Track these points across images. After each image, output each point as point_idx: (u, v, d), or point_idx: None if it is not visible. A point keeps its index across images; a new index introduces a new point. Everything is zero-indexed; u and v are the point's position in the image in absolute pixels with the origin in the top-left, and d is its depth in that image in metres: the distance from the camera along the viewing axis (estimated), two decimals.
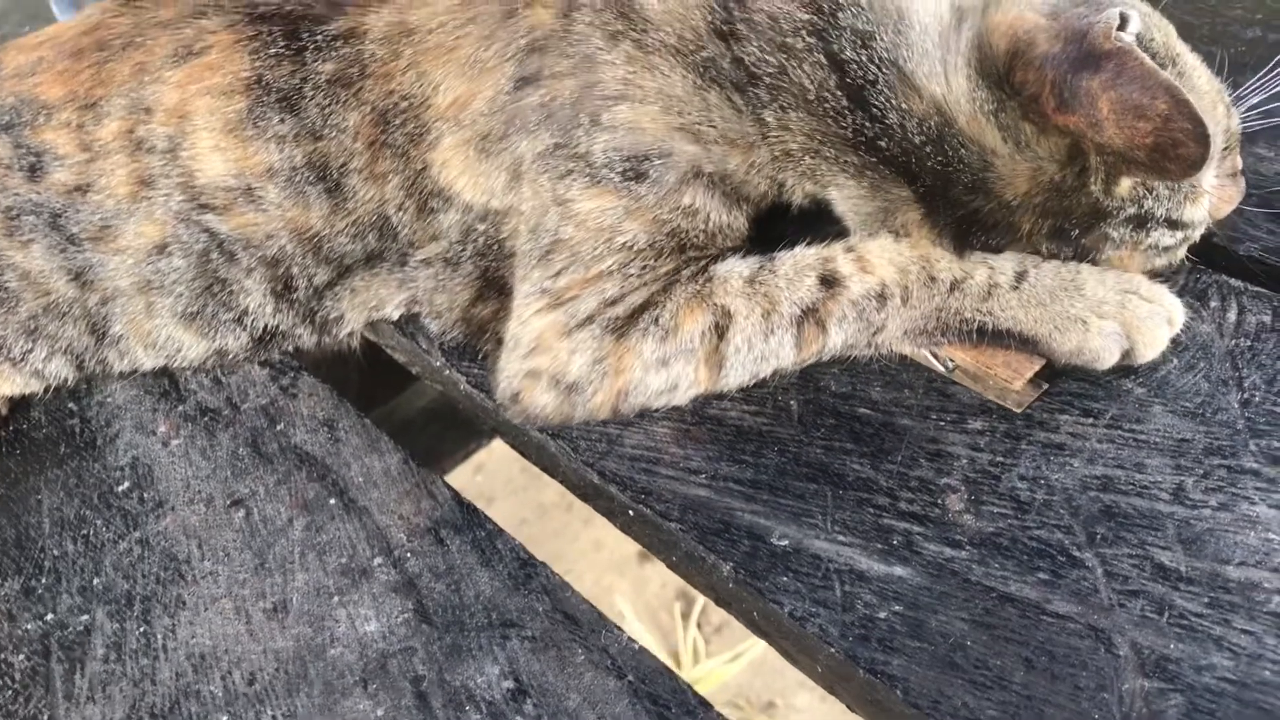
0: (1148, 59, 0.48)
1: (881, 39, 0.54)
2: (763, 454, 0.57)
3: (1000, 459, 0.54)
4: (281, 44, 0.62)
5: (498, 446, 1.52)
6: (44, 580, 0.61)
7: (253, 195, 0.62)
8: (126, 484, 0.66)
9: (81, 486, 0.66)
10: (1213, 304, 0.58)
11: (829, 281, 0.57)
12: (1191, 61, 0.56)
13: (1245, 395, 0.54)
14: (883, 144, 0.55)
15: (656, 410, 0.60)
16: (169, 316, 0.67)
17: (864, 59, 0.54)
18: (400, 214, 0.63)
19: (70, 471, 0.67)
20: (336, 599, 0.57)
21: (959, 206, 0.55)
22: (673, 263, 0.59)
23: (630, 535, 0.59)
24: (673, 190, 0.58)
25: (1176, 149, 0.48)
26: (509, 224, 0.61)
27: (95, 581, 0.60)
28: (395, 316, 0.68)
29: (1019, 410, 0.56)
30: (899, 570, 0.51)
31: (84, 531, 0.63)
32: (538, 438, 0.62)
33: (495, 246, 0.62)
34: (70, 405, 0.71)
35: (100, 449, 0.68)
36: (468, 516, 0.59)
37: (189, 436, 0.67)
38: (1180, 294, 0.59)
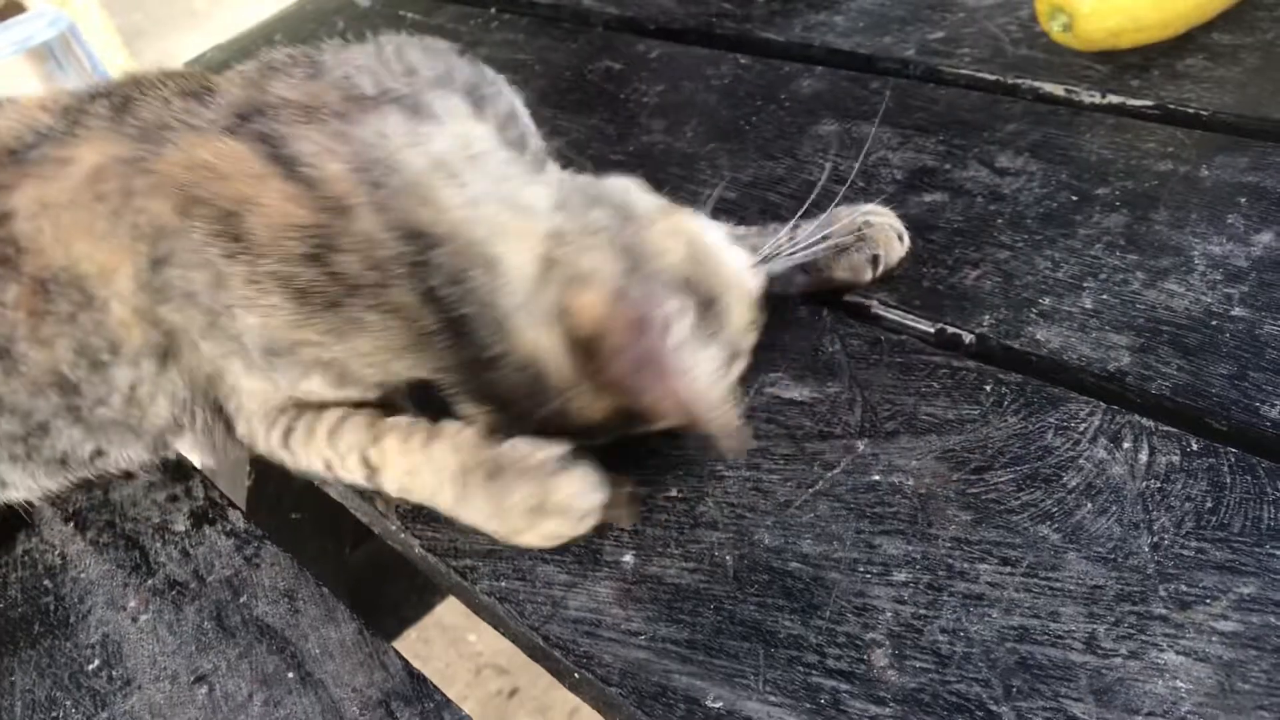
0: (683, 381, 0.57)
1: (475, 284, 0.60)
2: (699, 613, 0.59)
3: (923, 611, 0.56)
4: None
5: None
6: None
7: None
8: (96, 662, 0.68)
9: (53, 666, 0.68)
10: (1125, 445, 0.61)
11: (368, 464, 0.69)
12: (723, 275, 0.65)
13: (1155, 539, 0.56)
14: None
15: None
16: None
17: (459, 295, 0.60)
18: (74, 370, 0.68)
19: (43, 651, 0.69)
20: None
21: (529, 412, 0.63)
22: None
23: (578, 695, 0.61)
24: (298, 379, 0.67)
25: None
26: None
27: None
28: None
29: None
30: None
31: (54, 714, 0.65)
32: (486, 600, 0.64)
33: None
34: (46, 582, 0.74)
35: (73, 626, 0.70)
36: (417, 688, 0.61)
37: (157, 611, 0.70)
38: (1095, 436, 0.61)
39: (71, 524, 0.78)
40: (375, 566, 1.44)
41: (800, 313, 0.75)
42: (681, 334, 0.58)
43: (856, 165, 0.86)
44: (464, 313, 0.60)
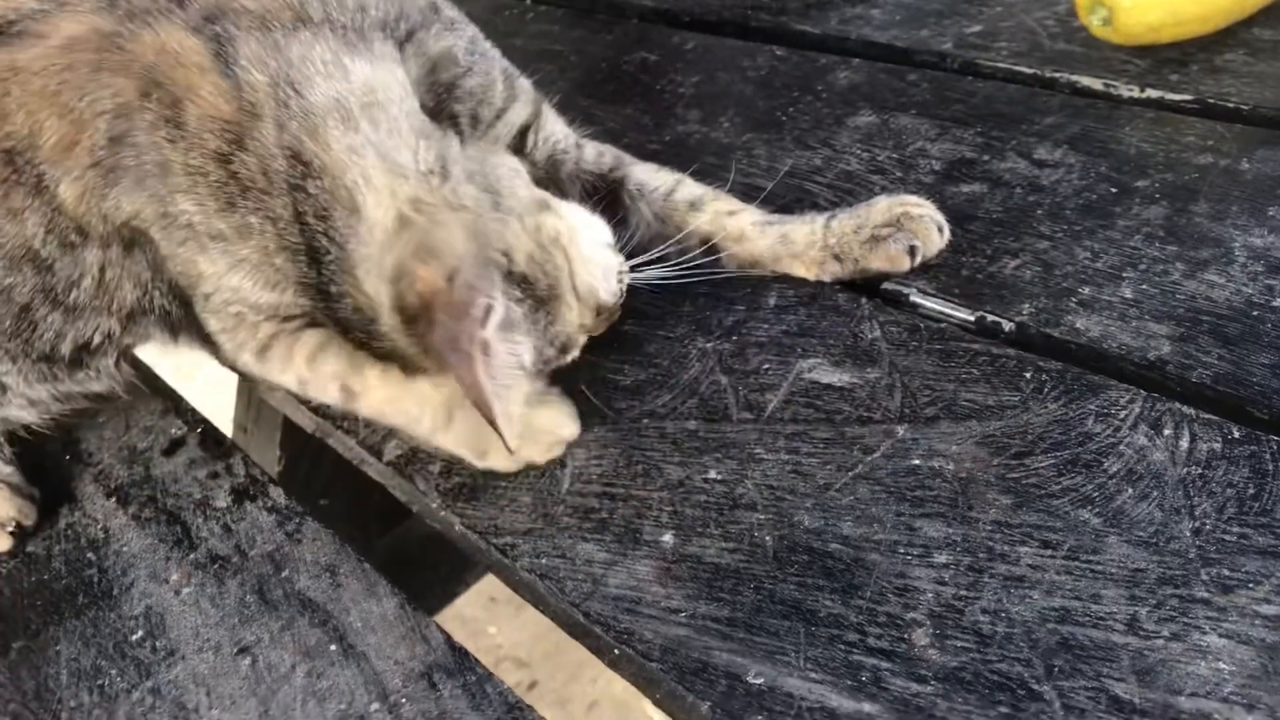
0: (482, 370, 0.59)
1: (336, 221, 0.64)
2: (739, 591, 0.60)
3: (964, 592, 0.56)
4: None
5: None
6: None
7: None
8: (140, 633, 0.69)
9: (98, 636, 0.69)
10: (1166, 432, 0.61)
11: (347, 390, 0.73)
12: (573, 272, 0.68)
13: (1197, 524, 0.56)
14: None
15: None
16: None
17: (322, 229, 0.64)
18: (45, 248, 0.70)
19: (87, 621, 0.70)
20: None
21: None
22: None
23: (617, 672, 0.61)
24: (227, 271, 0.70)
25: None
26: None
27: None
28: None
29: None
30: (868, 707, 0.53)
31: (100, 682, 0.66)
32: (526, 577, 0.65)
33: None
34: (89, 555, 0.75)
35: (116, 598, 0.71)
36: (459, 661, 0.62)
37: (199, 584, 0.71)
38: (1136, 423, 0.62)
39: (113, 499, 0.79)
40: (398, 557, 1.45)
41: (838, 300, 0.75)
42: (494, 327, 0.60)
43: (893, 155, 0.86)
44: (321, 245, 0.64)
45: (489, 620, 1.90)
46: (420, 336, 0.63)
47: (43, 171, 0.68)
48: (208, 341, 0.76)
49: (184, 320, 0.76)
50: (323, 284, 0.66)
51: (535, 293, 0.66)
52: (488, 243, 0.64)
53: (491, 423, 0.61)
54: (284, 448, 1.23)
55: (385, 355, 0.68)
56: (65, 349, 0.75)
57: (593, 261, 0.70)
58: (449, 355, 0.60)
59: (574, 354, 0.71)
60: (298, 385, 0.75)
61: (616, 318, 0.74)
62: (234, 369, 0.78)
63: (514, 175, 0.71)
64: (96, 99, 0.66)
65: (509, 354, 0.62)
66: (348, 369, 0.73)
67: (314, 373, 0.74)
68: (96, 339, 0.75)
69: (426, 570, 1.46)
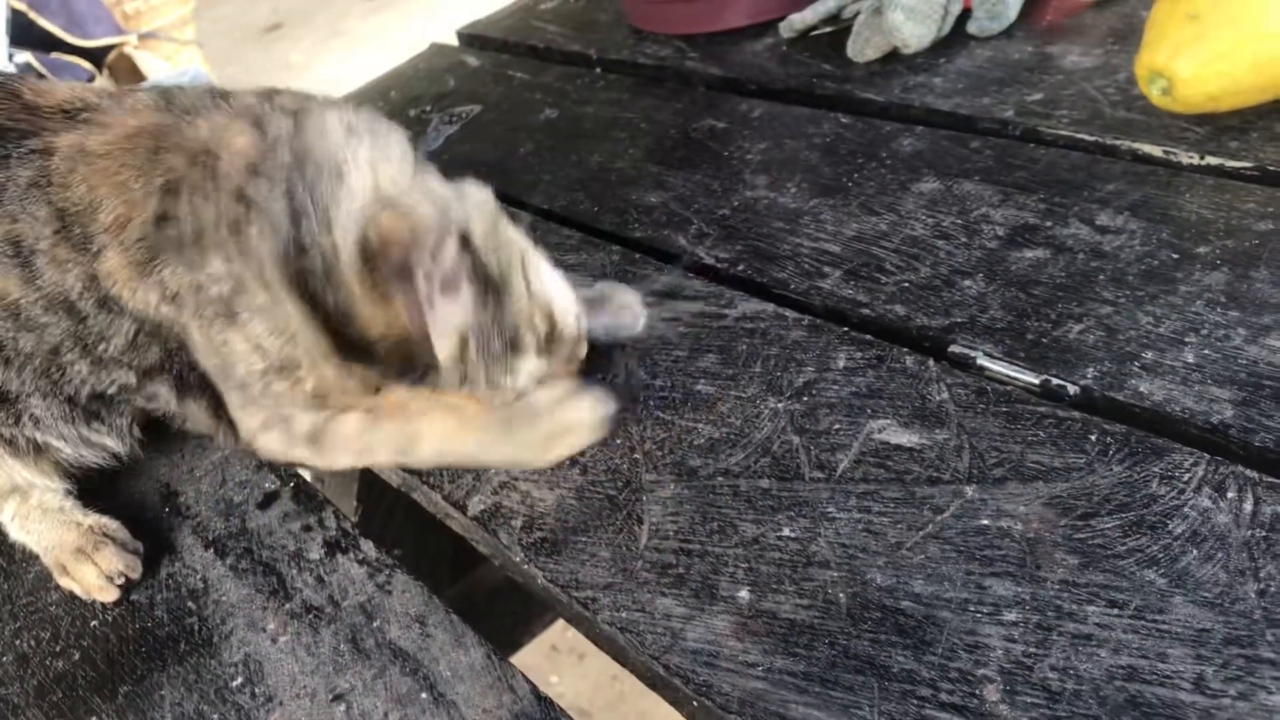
0: (422, 295, 0.67)
1: (321, 187, 0.70)
2: (814, 646, 0.62)
3: (1033, 649, 0.58)
4: None
5: None
6: None
7: None
8: (240, 679, 0.72)
9: (200, 682, 0.73)
10: (1229, 495, 0.63)
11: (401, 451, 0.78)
12: (528, 278, 0.76)
13: (1261, 585, 0.58)
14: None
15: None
16: None
17: (303, 188, 0.70)
18: (81, 301, 0.76)
19: (190, 668, 0.74)
20: None
21: (343, 337, 0.73)
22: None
23: None
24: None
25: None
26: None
27: None
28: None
29: None
30: None
31: None
32: (607, 630, 0.67)
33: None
34: (190, 604, 0.79)
35: (216, 645, 0.75)
36: (545, 710, 0.65)
37: (295, 633, 0.74)
38: (1200, 486, 0.63)
39: (211, 550, 0.83)
40: (465, 607, 1.48)
41: (906, 362, 0.78)
42: (447, 265, 0.68)
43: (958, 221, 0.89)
44: (301, 205, 0.70)
45: (551, 669, 1.92)
46: (374, 274, 0.69)
47: (92, 235, 0.74)
48: (211, 414, 0.81)
49: (195, 382, 0.80)
50: (298, 241, 0.70)
51: (487, 272, 0.72)
52: (450, 217, 0.71)
53: (427, 345, 0.68)
54: (360, 499, 1.27)
55: (341, 332, 0.73)
56: (84, 396, 0.81)
57: (551, 280, 0.78)
58: (398, 285, 0.68)
59: (524, 374, 0.76)
60: (354, 459, 0.78)
61: (579, 361, 0.81)
62: (250, 449, 0.80)
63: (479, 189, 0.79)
64: (151, 179, 0.72)
65: (451, 303, 0.69)
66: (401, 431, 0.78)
67: (364, 443, 0.77)
68: (112, 390, 0.81)
69: (491, 620, 1.50)
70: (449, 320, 0.69)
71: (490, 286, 0.72)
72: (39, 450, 0.85)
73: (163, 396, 0.82)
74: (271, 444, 0.78)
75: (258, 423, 0.77)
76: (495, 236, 0.75)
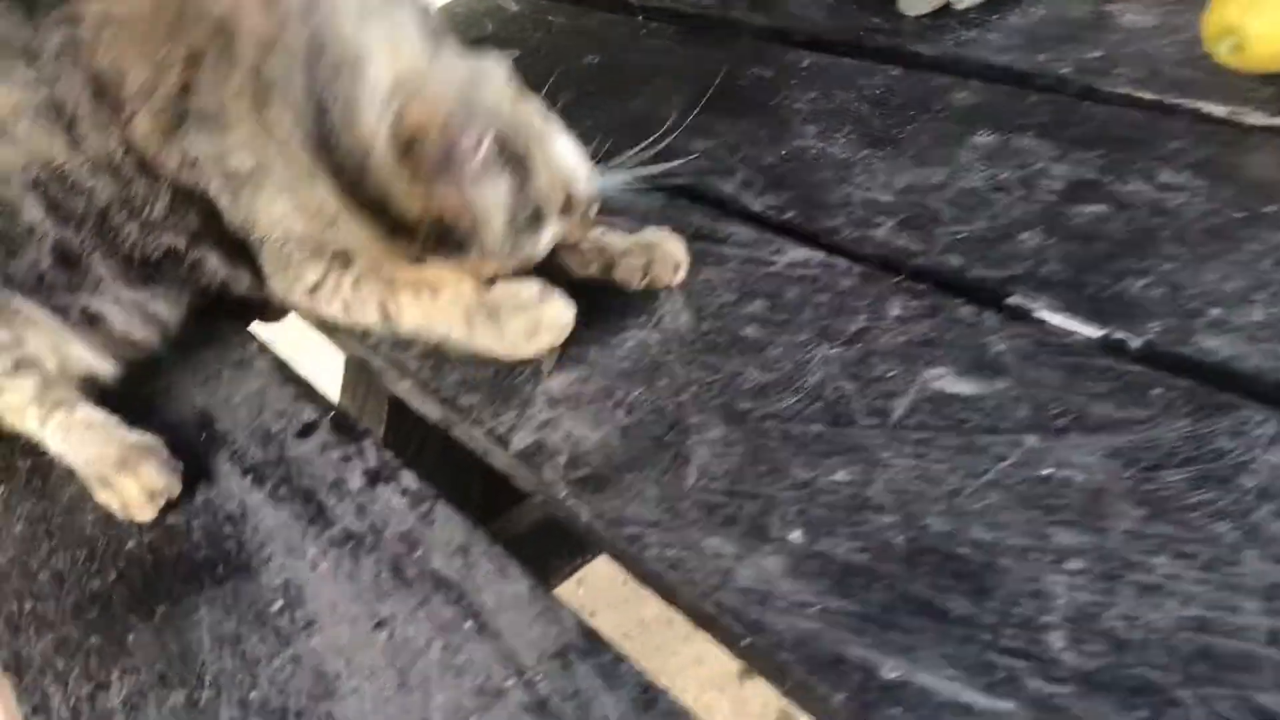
0: (465, 182, 0.72)
1: (342, 80, 0.71)
2: (870, 589, 0.61)
3: (1098, 598, 0.57)
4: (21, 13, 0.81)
5: (599, 561, 1.57)
6: (205, 693, 0.67)
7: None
8: (279, 603, 0.71)
9: (238, 605, 0.72)
10: None
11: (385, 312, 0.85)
12: (546, 150, 0.78)
13: None
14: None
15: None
16: None
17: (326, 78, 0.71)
18: (123, 165, 0.80)
19: (228, 591, 0.73)
20: (475, 718, 0.61)
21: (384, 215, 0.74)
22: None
23: (744, 661, 0.63)
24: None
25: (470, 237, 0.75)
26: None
27: (253, 695, 0.66)
28: None
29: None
30: (1004, 704, 0.54)
31: (241, 648, 0.69)
32: (656, 567, 0.66)
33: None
34: (228, 529, 0.78)
35: (255, 570, 0.74)
36: (591, 642, 0.64)
37: (336, 560, 0.73)
38: (1271, 443, 0.62)
39: (249, 478, 0.82)
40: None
41: (962, 312, 0.77)
42: (485, 155, 0.72)
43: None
44: (326, 95, 0.70)
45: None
46: (414, 168, 0.71)
47: (123, 101, 0.77)
48: (257, 277, 0.88)
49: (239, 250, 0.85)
50: (325, 133, 0.70)
51: (513, 150, 0.74)
52: (475, 101, 0.73)
53: (479, 236, 0.73)
54: (387, 440, 1.26)
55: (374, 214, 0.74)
56: (137, 259, 0.85)
57: (565, 150, 0.80)
58: (441, 175, 0.71)
59: (545, 240, 0.79)
60: (342, 311, 0.86)
61: (591, 221, 0.85)
62: (285, 305, 0.91)
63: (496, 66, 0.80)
64: (175, 48, 0.75)
65: (490, 187, 0.73)
66: (386, 294, 0.84)
67: (356, 298, 0.85)
68: (161, 254, 0.85)
69: (528, 560, 1.49)
70: (491, 203, 0.72)
71: (519, 166, 0.75)
72: (91, 322, 0.87)
73: (212, 262, 0.86)
74: (278, 286, 0.86)
75: (273, 269, 0.85)
76: (517, 115, 0.77)
